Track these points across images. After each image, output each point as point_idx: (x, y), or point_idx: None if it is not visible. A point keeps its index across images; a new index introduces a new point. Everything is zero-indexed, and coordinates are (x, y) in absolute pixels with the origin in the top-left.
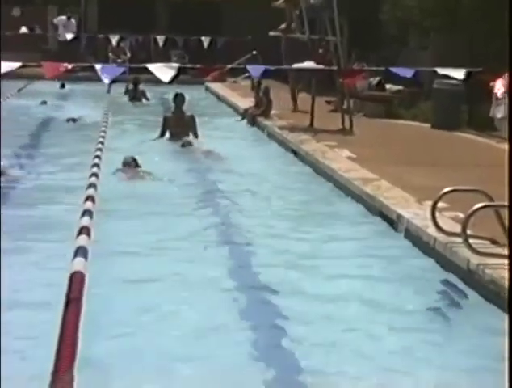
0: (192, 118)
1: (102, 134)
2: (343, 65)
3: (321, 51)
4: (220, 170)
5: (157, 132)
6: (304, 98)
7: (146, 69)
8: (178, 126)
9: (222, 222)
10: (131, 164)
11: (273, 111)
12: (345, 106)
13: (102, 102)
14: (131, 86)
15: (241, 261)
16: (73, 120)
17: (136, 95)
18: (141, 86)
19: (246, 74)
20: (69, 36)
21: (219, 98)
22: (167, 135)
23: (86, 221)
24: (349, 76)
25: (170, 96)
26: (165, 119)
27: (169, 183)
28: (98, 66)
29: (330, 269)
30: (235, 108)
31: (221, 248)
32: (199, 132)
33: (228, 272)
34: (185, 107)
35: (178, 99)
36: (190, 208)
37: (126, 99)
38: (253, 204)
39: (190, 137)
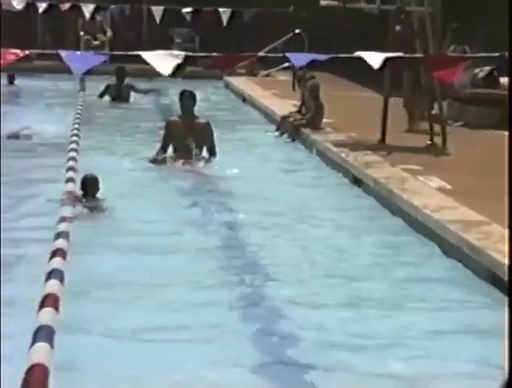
0: (207, 126)
1: (71, 163)
2: (433, 50)
3: (398, 28)
4: (246, 210)
5: (156, 148)
6: (371, 99)
7: (136, 57)
8: (187, 137)
9: (255, 303)
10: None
11: (325, 120)
12: (435, 111)
13: (71, 105)
14: (113, 81)
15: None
16: (16, 136)
17: (120, 93)
18: (128, 80)
19: (285, 64)
20: (19, 4)
21: (244, 99)
22: (170, 150)
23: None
24: (442, 66)
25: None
26: (168, 125)
27: (166, 237)
28: (63, 53)
29: None
30: (268, 114)
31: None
32: (217, 148)
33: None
34: (196, 112)
35: (186, 98)
36: (202, 282)
37: (107, 98)
38: (295, 267)
39: (204, 155)
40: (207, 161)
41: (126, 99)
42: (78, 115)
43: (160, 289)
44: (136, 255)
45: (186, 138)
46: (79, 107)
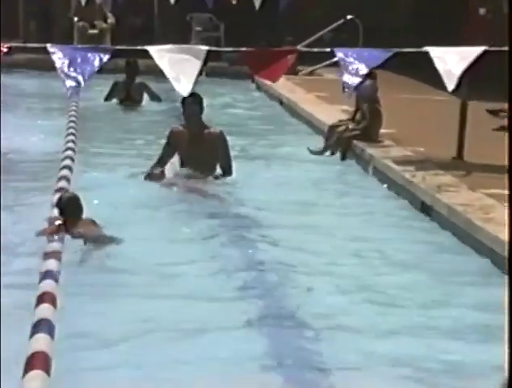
0: (220, 137)
1: (62, 184)
2: None
3: (482, 12)
4: (278, 248)
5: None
6: (444, 103)
7: (144, 52)
8: (194, 150)
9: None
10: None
11: (385, 130)
12: None
13: (63, 110)
14: (121, 79)
15: None
16: None
17: (130, 94)
18: (140, 79)
19: (334, 59)
20: None
21: (282, 103)
22: (176, 164)
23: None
24: None
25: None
26: (172, 135)
27: (172, 279)
28: (51, 48)
29: None
30: (312, 123)
31: None
32: (234, 165)
33: None
34: (205, 117)
35: (190, 103)
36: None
37: (115, 101)
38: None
39: (218, 173)
40: (221, 179)
41: (138, 101)
42: (72, 125)
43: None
44: (132, 303)
45: (193, 152)
46: (72, 112)
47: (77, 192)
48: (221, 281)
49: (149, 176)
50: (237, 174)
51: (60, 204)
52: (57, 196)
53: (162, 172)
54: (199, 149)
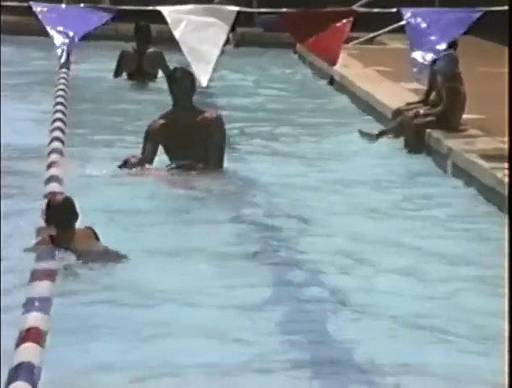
0: (216, 124)
1: (52, 186)
2: None
3: None
4: (322, 267)
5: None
6: None
7: (154, 12)
8: (183, 141)
9: None
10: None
11: (468, 116)
12: None
13: (50, 88)
14: (131, 48)
15: None
16: None
17: (142, 67)
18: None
19: (400, 23)
20: None
21: (332, 80)
22: (165, 158)
23: None
24: None
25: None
26: (151, 133)
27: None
28: (36, 7)
29: None
30: (371, 106)
31: None
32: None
33: None
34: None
35: (178, 81)
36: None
37: (124, 79)
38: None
39: (204, 170)
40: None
41: (151, 75)
42: (60, 108)
43: None
44: (135, 342)
45: (180, 141)
46: (60, 92)
47: (69, 194)
48: (242, 313)
49: (126, 164)
50: (273, 174)
51: (48, 211)
52: (45, 200)
53: (141, 160)
54: (187, 140)
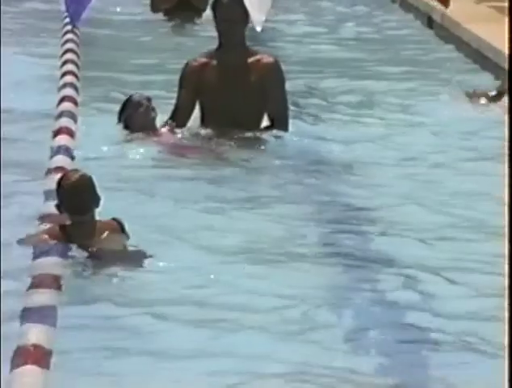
0: (273, 70)
1: (59, 158)
2: None
3: None
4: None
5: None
6: None
7: None
8: (228, 92)
9: None
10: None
11: None
12: None
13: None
14: None
15: None
16: None
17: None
18: None
19: None
20: None
21: (431, 21)
22: (200, 124)
23: None
24: None
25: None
26: (188, 72)
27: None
28: None
29: None
30: (484, 56)
31: None
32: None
33: None
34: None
35: (226, 8)
36: None
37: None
38: None
39: (260, 135)
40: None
41: (198, 10)
42: (71, 56)
43: None
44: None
45: (227, 95)
46: (70, 34)
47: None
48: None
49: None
50: (345, 145)
51: (60, 194)
52: (55, 178)
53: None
54: (235, 91)
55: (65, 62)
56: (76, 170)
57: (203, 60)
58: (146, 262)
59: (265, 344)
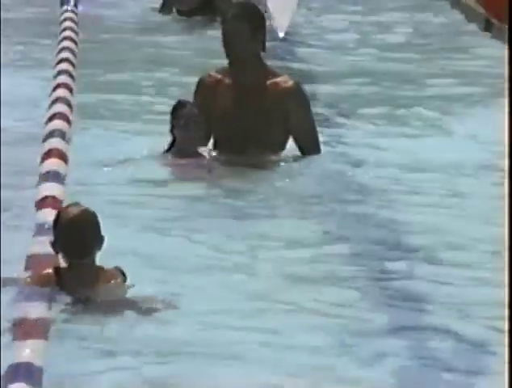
0: (294, 94)
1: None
2: None
3: None
4: None
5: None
6: None
7: None
8: (243, 116)
9: None
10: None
11: None
12: None
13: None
14: None
15: None
16: None
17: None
18: None
19: None
20: None
21: (489, 24)
22: (211, 147)
23: None
24: None
25: None
26: (201, 90)
27: None
28: None
29: None
30: None
31: None
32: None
33: None
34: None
35: (233, 22)
36: None
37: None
38: None
39: (279, 157)
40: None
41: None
42: (66, 55)
43: None
44: None
45: (242, 118)
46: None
47: (86, 205)
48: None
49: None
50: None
51: (57, 230)
52: (49, 212)
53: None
54: (250, 114)
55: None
56: (77, 204)
57: (217, 76)
58: (147, 314)
59: None
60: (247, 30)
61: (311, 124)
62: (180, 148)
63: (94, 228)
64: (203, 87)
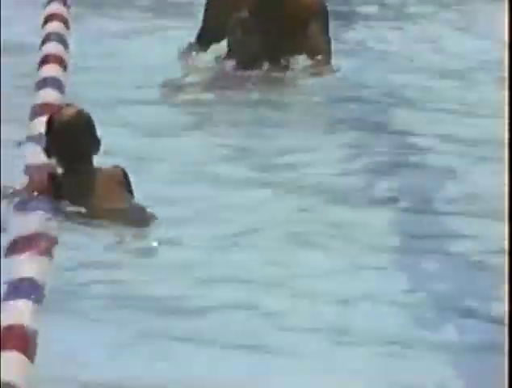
0: (318, 7)
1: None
2: None
3: None
4: None
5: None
6: None
7: None
8: (262, 24)
9: None
10: None
11: None
12: None
13: None
14: None
15: None
16: None
17: None
18: None
19: None
20: None
21: None
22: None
23: None
24: None
25: None
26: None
27: None
28: None
29: None
30: None
31: None
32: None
33: None
34: None
35: None
36: None
37: None
38: None
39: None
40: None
41: None
42: None
43: None
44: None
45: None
46: None
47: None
48: None
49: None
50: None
51: (50, 135)
52: (43, 117)
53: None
54: (269, 23)
55: None
56: (71, 106)
57: None
58: (153, 225)
59: None
60: None
61: (327, 34)
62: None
63: (90, 130)
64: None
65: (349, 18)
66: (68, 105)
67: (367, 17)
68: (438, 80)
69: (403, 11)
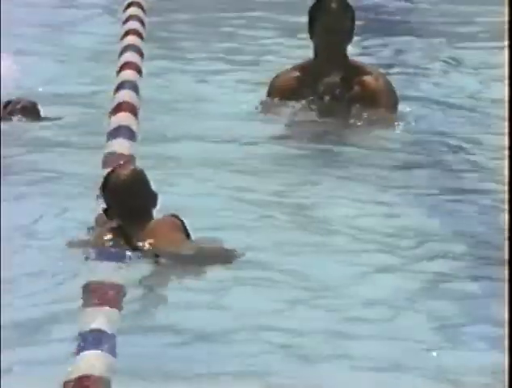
0: (383, 91)
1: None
2: None
3: None
4: None
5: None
6: None
7: None
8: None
9: None
10: None
11: None
12: None
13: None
14: None
15: None
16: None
17: None
18: None
19: None
20: None
21: None
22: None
23: None
24: None
25: None
26: (280, 81)
27: None
28: None
29: None
30: None
31: None
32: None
33: None
34: None
35: (331, 11)
36: None
37: None
38: None
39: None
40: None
41: None
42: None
43: None
44: None
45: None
46: None
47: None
48: None
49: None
50: None
51: (108, 196)
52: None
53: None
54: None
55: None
56: (124, 165)
57: (294, 74)
58: (213, 263)
59: None
60: (350, 25)
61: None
62: None
63: (145, 186)
64: (279, 86)
65: None
66: (122, 164)
67: None
68: None
69: None
